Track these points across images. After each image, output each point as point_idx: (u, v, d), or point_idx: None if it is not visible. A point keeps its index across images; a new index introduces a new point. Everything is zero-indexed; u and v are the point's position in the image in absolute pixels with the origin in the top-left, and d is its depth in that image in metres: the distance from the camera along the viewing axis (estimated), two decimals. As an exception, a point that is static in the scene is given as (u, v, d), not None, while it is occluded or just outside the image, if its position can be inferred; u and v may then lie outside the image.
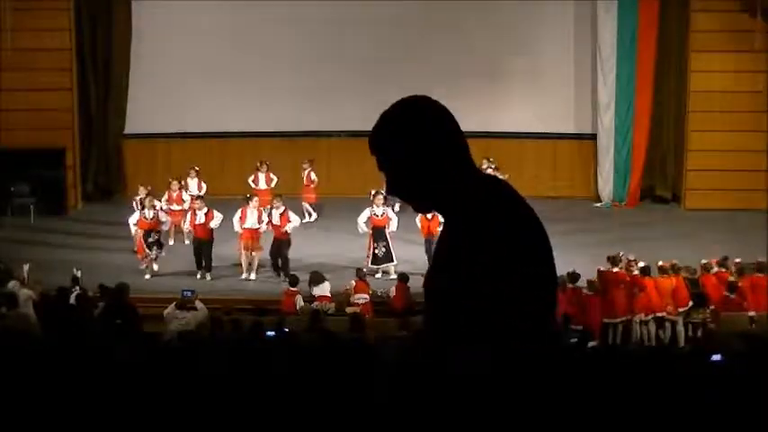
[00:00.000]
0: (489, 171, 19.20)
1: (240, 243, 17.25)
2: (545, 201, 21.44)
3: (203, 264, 17.27)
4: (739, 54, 20.97)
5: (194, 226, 17.31)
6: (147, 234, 17.26)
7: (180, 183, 19.30)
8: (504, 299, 2.54)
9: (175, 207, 18.70)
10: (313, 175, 20.34)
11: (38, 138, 20.77)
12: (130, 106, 22.22)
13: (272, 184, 19.88)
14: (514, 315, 2.55)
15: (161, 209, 17.80)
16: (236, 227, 17.14)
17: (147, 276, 17.12)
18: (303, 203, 20.21)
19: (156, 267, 17.26)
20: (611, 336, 14.60)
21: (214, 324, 13.27)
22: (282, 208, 17.28)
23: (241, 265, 17.30)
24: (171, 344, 11.94)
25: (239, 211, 17.22)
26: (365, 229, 17.29)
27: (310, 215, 20.23)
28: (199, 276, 17.15)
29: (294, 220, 17.37)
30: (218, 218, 17.29)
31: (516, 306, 2.55)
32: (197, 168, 19.85)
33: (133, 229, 17.54)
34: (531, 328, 2.57)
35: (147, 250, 17.21)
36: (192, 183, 19.60)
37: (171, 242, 18.63)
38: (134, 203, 18.49)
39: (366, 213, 17.18)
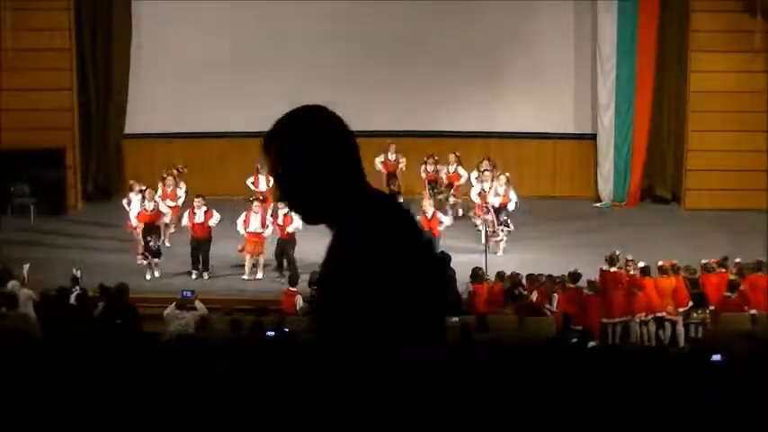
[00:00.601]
0: (487, 171, 19.14)
1: (245, 246, 17.24)
2: (545, 201, 21.52)
3: (201, 263, 17.26)
4: (739, 54, 20.94)
5: (193, 225, 17.29)
6: (147, 231, 17.23)
7: (174, 178, 19.19)
8: (402, 305, 2.54)
9: (170, 203, 18.56)
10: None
11: (38, 138, 20.72)
12: (130, 106, 22.18)
13: (272, 186, 19.82)
14: (412, 321, 2.55)
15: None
16: (240, 230, 17.15)
17: (149, 277, 17.14)
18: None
19: (157, 274, 17.25)
20: (611, 336, 14.60)
21: (204, 324, 13.26)
22: (287, 209, 17.18)
23: (243, 266, 17.30)
24: (171, 344, 11.94)
25: (243, 214, 17.22)
26: None
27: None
28: (195, 276, 17.14)
29: (297, 221, 17.35)
30: (216, 216, 17.28)
31: (414, 312, 2.55)
32: (179, 168, 19.59)
33: (134, 222, 17.46)
34: (429, 334, 2.58)
35: (147, 254, 17.19)
36: (171, 181, 19.10)
37: (168, 244, 18.54)
38: (125, 202, 18.41)
39: None
